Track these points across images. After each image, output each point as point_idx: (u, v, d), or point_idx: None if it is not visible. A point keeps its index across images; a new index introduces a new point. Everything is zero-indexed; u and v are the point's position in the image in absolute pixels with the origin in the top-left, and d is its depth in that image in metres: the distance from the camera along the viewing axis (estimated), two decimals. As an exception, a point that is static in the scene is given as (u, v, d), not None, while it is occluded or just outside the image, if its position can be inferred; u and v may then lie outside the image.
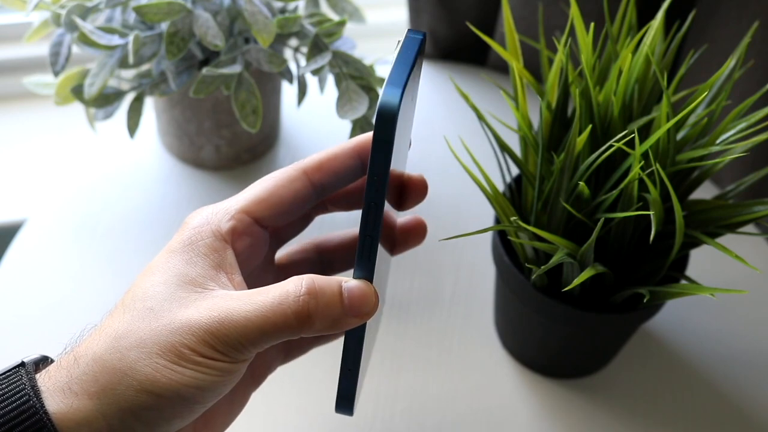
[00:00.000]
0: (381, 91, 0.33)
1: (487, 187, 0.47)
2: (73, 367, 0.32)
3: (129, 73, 0.61)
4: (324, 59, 0.57)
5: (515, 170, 0.64)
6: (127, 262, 0.64)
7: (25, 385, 0.32)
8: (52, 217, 0.67)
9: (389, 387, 0.58)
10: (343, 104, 0.57)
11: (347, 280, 0.35)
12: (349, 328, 0.35)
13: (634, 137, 0.42)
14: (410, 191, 0.41)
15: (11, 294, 0.62)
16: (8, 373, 0.33)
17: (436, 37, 0.82)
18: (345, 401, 0.37)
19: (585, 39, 0.47)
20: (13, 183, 0.79)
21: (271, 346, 0.34)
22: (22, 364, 0.33)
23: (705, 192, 0.68)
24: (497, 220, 0.53)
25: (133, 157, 0.72)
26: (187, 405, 0.32)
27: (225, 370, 0.33)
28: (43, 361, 0.35)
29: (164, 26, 0.56)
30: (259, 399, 0.44)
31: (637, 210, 0.45)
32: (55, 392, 0.32)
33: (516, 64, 0.48)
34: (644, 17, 0.56)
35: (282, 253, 0.44)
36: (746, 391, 0.58)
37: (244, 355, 0.33)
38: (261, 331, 0.33)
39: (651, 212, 0.42)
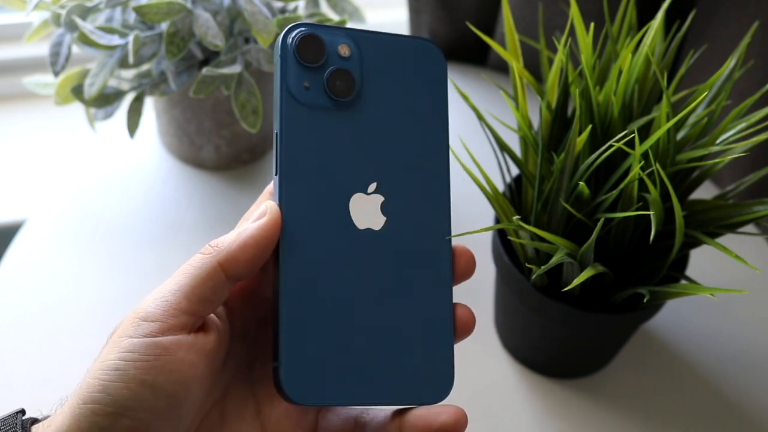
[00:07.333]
0: None
1: (487, 187, 0.47)
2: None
3: (129, 73, 0.61)
4: (324, 59, 0.57)
5: (515, 170, 0.64)
6: (127, 262, 0.64)
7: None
8: (52, 217, 0.67)
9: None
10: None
11: None
12: None
13: (634, 137, 0.42)
14: None
15: (11, 294, 0.62)
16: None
17: (436, 37, 0.82)
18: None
19: (585, 39, 0.47)
20: (13, 183, 0.79)
21: None
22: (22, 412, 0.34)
23: (705, 192, 0.68)
24: (497, 220, 0.53)
25: (133, 157, 0.72)
26: None
27: None
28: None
29: (164, 26, 0.56)
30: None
31: (637, 210, 0.45)
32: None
33: (516, 64, 0.48)
34: (644, 17, 0.56)
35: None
36: (746, 391, 0.58)
37: None
38: None
39: (651, 212, 0.42)
